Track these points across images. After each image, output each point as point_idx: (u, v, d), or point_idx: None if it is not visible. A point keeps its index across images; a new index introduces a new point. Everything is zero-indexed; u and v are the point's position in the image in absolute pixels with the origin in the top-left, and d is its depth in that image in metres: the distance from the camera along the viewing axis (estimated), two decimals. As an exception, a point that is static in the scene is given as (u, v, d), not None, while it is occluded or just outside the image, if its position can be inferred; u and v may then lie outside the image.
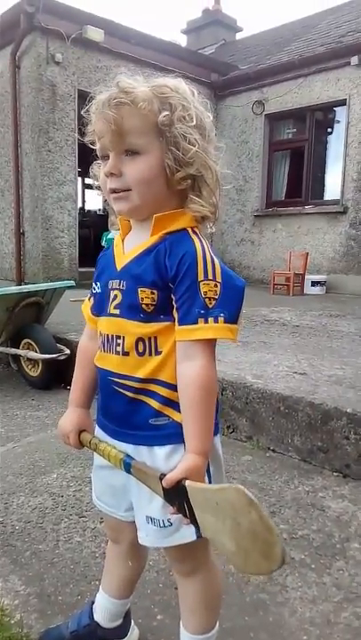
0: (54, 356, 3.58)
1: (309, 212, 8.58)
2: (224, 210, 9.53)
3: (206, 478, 1.02)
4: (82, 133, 1.03)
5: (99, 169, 1.04)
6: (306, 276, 7.96)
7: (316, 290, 7.94)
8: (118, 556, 1.27)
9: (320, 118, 8.75)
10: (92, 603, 1.34)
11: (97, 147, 1.02)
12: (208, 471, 1.03)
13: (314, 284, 7.96)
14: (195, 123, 0.97)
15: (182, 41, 13.44)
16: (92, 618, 1.31)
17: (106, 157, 1.00)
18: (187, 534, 1.00)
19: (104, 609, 1.30)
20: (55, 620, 1.42)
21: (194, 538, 1.00)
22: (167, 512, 0.99)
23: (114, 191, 1.00)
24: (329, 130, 8.85)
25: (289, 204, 9.04)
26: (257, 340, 3.97)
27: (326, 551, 1.76)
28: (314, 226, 8.51)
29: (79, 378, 1.20)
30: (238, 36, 13.68)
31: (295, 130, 9.18)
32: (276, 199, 9.31)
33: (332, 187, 8.63)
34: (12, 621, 1.41)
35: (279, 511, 2.01)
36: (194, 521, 0.91)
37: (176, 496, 0.93)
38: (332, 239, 8.30)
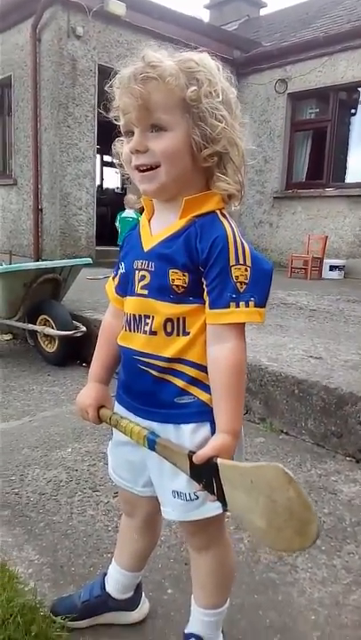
0: (70, 332, 3.60)
1: (330, 194, 8.43)
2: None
3: None
4: (106, 109, 1.01)
5: (121, 146, 1.03)
6: (324, 260, 7.86)
7: (335, 274, 7.85)
8: (132, 529, 1.29)
9: (344, 98, 8.53)
10: (105, 574, 1.37)
11: (121, 122, 1.00)
12: None
13: (332, 268, 7.87)
14: (221, 98, 0.95)
15: (205, 16, 13.15)
16: (104, 589, 1.34)
17: (130, 133, 0.99)
18: (212, 507, 1.01)
19: (116, 581, 1.33)
20: (67, 590, 1.46)
21: (220, 511, 1.02)
22: (193, 487, 1.01)
23: (139, 168, 0.99)
24: (353, 111, 8.63)
25: (309, 185, 8.89)
26: (273, 323, 3.95)
27: (337, 534, 1.77)
28: (334, 209, 8.37)
29: (101, 354, 1.21)
30: (263, 11, 13.32)
31: (318, 110, 8.98)
32: (296, 181, 9.17)
33: (355, 169, 8.47)
34: (27, 589, 1.44)
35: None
36: (221, 498, 0.93)
37: (204, 473, 0.94)
38: (352, 223, 8.16)
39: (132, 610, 1.36)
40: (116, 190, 11.20)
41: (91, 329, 3.62)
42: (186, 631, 1.21)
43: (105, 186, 11.82)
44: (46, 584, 1.50)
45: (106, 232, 8.59)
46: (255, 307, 0.96)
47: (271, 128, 9.12)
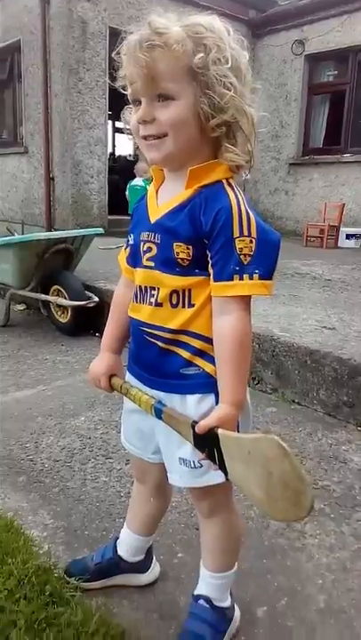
0: (83, 303, 3.62)
1: (348, 160, 8.22)
2: (258, 157, 9.23)
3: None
4: (113, 77, 0.99)
5: (130, 114, 1.00)
6: (341, 229, 7.72)
7: (351, 243, 7.71)
8: (143, 495, 1.32)
9: (364, 60, 8.22)
10: (117, 538, 1.40)
11: (128, 92, 0.97)
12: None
13: (349, 236, 7.72)
14: (230, 65, 0.91)
15: (220, -27, 12.65)
16: (116, 552, 1.38)
17: (137, 102, 0.96)
18: (217, 475, 1.03)
19: (128, 544, 1.37)
20: (81, 553, 1.50)
21: (224, 479, 1.03)
22: (197, 455, 1.02)
23: (146, 138, 0.97)
24: (373, 73, 8.33)
25: (327, 151, 8.67)
26: (287, 294, 3.92)
27: (346, 502, 1.79)
28: (352, 175, 8.17)
29: (112, 324, 1.22)
30: (280, -33, 12.78)
31: (336, 72, 8.67)
32: (313, 146, 8.94)
33: (374, 134, 8.24)
34: (41, 551, 1.49)
35: (302, 462, 2.03)
36: (222, 467, 0.94)
37: (207, 443, 0.96)
38: (370, 190, 7.98)
39: (144, 572, 1.40)
40: (128, 158, 11.03)
41: (103, 299, 3.63)
42: (195, 593, 1.24)
43: (117, 153, 11.65)
44: (60, 547, 1.55)
45: (119, 201, 8.49)
46: (260, 279, 0.95)
47: (288, 91, 8.85)
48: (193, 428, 0.98)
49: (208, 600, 1.21)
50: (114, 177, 8.44)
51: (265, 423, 2.37)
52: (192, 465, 1.06)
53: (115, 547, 1.39)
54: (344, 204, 7.82)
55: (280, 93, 8.90)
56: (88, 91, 7.57)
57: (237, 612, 1.27)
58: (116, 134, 12.42)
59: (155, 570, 1.42)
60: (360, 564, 1.51)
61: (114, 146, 11.61)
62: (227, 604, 1.23)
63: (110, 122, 8.18)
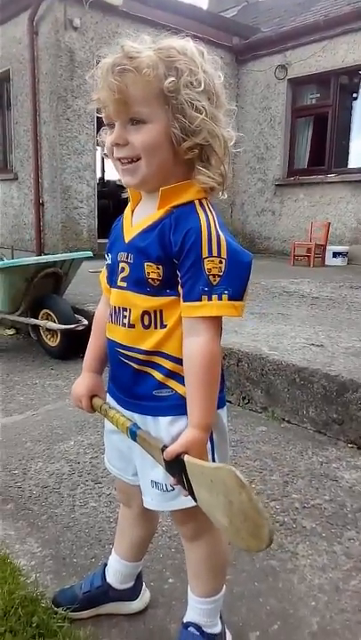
0: (72, 326, 3.61)
1: (332, 180, 8.35)
2: (245, 179, 9.37)
3: (209, 447, 1.04)
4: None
5: (106, 136, 1.02)
6: (327, 247, 7.81)
7: (338, 261, 7.80)
8: (130, 518, 1.30)
9: (345, 83, 8.41)
10: (105, 565, 1.38)
11: (103, 115, 0.99)
12: (212, 441, 1.04)
13: (335, 255, 7.81)
14: (203, 88, 0.93)
15: (203, 3, 13.00)
16: (105, 579, 1.35)
17: (112, 125, 0.98)
18: (188, 500, 1.02)
19: (116, 571, 1.34)
20: (69, 582, 1.47)
21: (194, 503, 1.02)
22: (169, 479, 1.02)
23: (120, 161, 0.98)
24: (354, 95, 8.50)
25: (311, 172, 8.81)
26: (275, 312, 3.94)
27: (338, 520, 1.77)
28: (337, 195, 8.29)
29: (93, 344, 1.22)
30: (262, -4, 13.16)
31: (319, 95, 8.87)
32: (298, 167, 9.08)
33: (357, 154, 8.38)
34: (28, 581, 1.46)
35: (292, 481, 2.02)
36: (192, 493, 0.94)
37: (175, 468, 0.96)
38: (355, 209, 8.09)
39: (133, 599, 1.37)
40: (117, 182, 11.10)
41: (92, 322, 3.62)
42: (184, 620, 1.22)
43: (106, 178, 11.76)
44: (48, 576, 1.51)
45: (108, 225, 8.52)
46: (229, 300, 0.94)
47: (272, 115, 9.03)
48: (163, 452, 0.97)
49: (198, 627, 1.19)
50: (103, 201, 8.51)
51: (255, 442, 2.36)
52: (164, 488, 1.06)
53: (103, 574, 1.37)
54: (330, 223, 7.92)
55: (264, 117, 9.08)
56: (76, 118, 7.68)
57: (229, 638, 1.25)
58: (105, 160, 12.59)
59: (145, 597, 1.39)
60: (353, 583, 1.49)
61: (103, 171, 11.71)
62: (217, 629, 1.21)
63: (99, 147, 8.27)
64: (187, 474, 0.93)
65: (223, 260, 0.93)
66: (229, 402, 2.75)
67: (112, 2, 7.34)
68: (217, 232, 0.95)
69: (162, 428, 1.03)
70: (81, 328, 3.62)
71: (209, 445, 1.04)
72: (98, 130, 7.81)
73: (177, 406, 1.01)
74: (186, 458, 0.93)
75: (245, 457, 2.22)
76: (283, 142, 9.00)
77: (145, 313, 1.01)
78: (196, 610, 1.19)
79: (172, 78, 0.91)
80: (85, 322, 3.67)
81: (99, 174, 10.05)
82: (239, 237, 8.78)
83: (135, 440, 1.04)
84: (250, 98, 9.13)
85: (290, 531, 1.72)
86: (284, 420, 2.61)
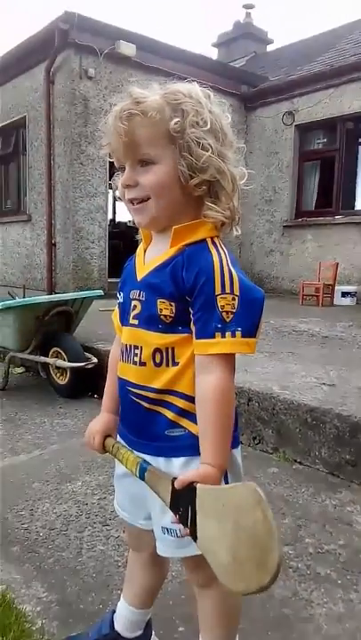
0: (82, 364, 3.62)
1: (340, 222, 8.46)
2: (253, 221, 9.52)
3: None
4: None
5: (118, 180, 1.05)
6: (336, 287, 7.83)
7: (347, 301, 7.80)
8: (139, 564, 1.26)
9: (351, 128, 8.63)
10: (114, 612, 1.33)
11: (114, 159, 1.02)
12: (226, 480, 1.02)
13: (344, 294, 7.82)
14: (209, 127, 0.95)
15: (213, 54, 13.56)
16: (113, 627, 1.31)
17: (123, 168, 1.01)
18: None
19: (125, 618, 1.29)
20: (76, 629, 1.42)
21: None
22: (170, 518, 0.98)
23: (132, 202, 1.01)
24: (360, 139, 8.73)
25: (319, 214, 8.94)
26: (285, 351, 3.92)
27: (353, 567, 1.71)
28: (344, 236, 8.38)
29: (109, 384, 1.21)
30: (269, 47, 13.70)
31: (325, 140, 9.10)
32: (305, 209, 9.23)
33: (364, 197, 8.50)
34: (34, 628, 1.41)
35: (305, 525, 1.97)
36: (193, 532, 0.90)
37: (182, 501, 0.92)
38: (363, 249, 8.16)
39: (142, 649, 1.32)
40: (128, 223, 11.36)
41: (102, 360, 3.63)
42: (195, 672, 1.17)
43: (117, 219, 12.01)
44: (54, 622, 1.47)
45: (118, 264, 8.65)
46: (243, 337, 0.93)
47: (280, 159, 9.25)
48: (173, 484, 0.94)
49: None
50: (114, 241, 8.65)
51: (266, 484, 2.31)
52: (176, 534, 1.02)
53: (112, 621, 1.32)
54: (338, 264, 7.97)
55: (272, 161, 9.30)
56: (89, 162, 7.91)
57: None
58: (117, 202, 12.85)
59: (154, 646, 1.34)
60: (371, 635, 1.43)
61: (114, 212, 11.97)
62: None
63: (111, 190, 8.47)
64: (194, 506, 0.90)
65: (236, 297, 0.94)
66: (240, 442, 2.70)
67: (125, 53, 7.68)
68: (229, 269, 0.95)
69: (175, 469, 1.01)
70: (90, 366, 3.62)
71: (223, 485, 1.01)
72: (110, 173, 8.08)
73: (190, 446, 0.99)
74: (199, 485, 0.90)
75: (257, 499, 2.16)
76: (290, 185, 9.18)
77: (156, 350, 1.00)
78: (208, 661, 1.14)
79: (178, 119, 0.94)
80: (95, 360, 3.67)
81: (110, 216, 10.25)
82: (248, 277, 8.81)
83: (143, 478, 1.01)
84: (258, 143, 9.38)
85: (304, 577, 1.66)
86: (295, 461, 2.56)
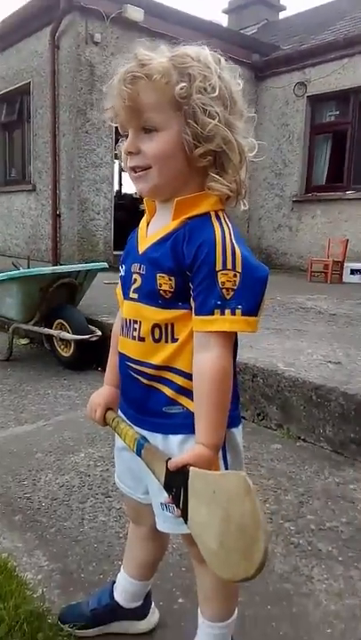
0: (86, 337, 3.60)
1: (351, 197, 8.31)
2: (262, 195, 9.37)
3: (222, 466, 1.00)
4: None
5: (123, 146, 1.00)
6: (345, 264, 7.74)
7: (356, 278, 7.70)
8: (139, 537, 1.26)
9: (365, 100, 8.43)
10: (113, 582, 1.34)
11: (117, 124, 0.97)
12: (225, 460, 1.01)
13: (353, 272, 7.72)
14: (217, 93, 0.90)
15: (224, 21, 13.15)
16: (113, 597, 1.32)
17: (127, 135, 0.96)
18: None
19: (124, 589, 1.30)
20: (76, 597, 1.43)
21: None
22: (163, 498, 0.97)
23: (134, 170, 0.97)
24: (374, 112, 8.52)
25: (329, 189, 8.78)
26: (291, 328, 3.89)
27: (355, 544, 1.71)
28: (355, 212, 8.24)
29: (112, 358, 1.19)
30: (282, 15, 13.28)
31: (338, 112, 8.86)
32: (316, 184, 9.06)
33: (376, 172, 8.34)
34: (35, 595, 1.42)
35: (307, 501, 1.97)
36: (185, 513, 0.89)
37: (176, 482, 0.91)
38: (373, 226, 8.04)
39: (141, 619, 1.33)
40: (134, 195, 11.14)
41: (106, 333, 3.61)
42: (194, 644, 1.17)
43: (123, 191, 11.86)
44: (55, 591, 1.48)
45: (124, 237, 8.54)
46: (243, 315, 0.90)
47: (290, 131, 9.05)
48: (167, 464, 0.93)
49: (208, 652, 1.14)
50: (120, 214, 8.55)
51: (270, 460, 2.30)
52: (173, 512, 1.01)
53: (111, 591, 1.33)
54: (348, 240, 7.87)
55: (283, 133, 9.10)
56: (95, 131, 7.76)
57: (240, 664, 1.20)
58: (123, 173, 12.68)
59: (153, 617, 1.35)
60: (371, 611, 1.43)
61: (120, 184, 11.80)
62: (228, 655, 1.16)
63: (117, 161, 8.34)
64: (186, 489, 0.88)
65: (238, 274, 0.90)
66: (243, 418, 2.70)
67: (133, 18, 7.45)
68: (232, 245, 0.91)
69: (173, 446, 0.99)
70: (94, 339, 3.61)
71: (222, 465, 1.00)
72: (116, 143, 7.91)
73: (189, 425, 0.96)
74: (191, 468, 0.89)
75: (259, 475, 2.16)
76: (301, 159, 9.00)
77: (155, 326, 0.97)
78: (207, 635, 1.15)
79: (184, 84, 0.89)
80: (99, 333, 3.66)
81: (116, 187, 10.12)
82: (256, 253, 8.70)
83: (140, 454, 1.00)
84: (268, 114, 9.16)
85: (305, 553, 1.67)
86: (299, 438, 2.55)
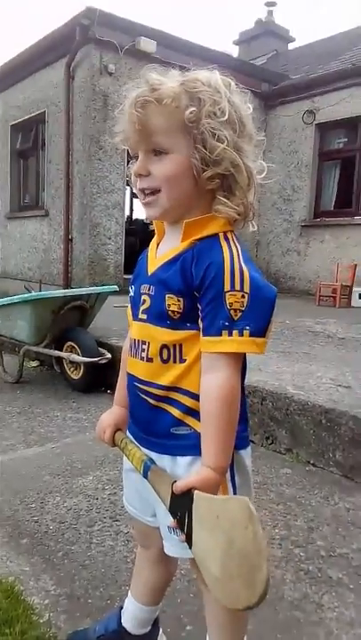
0: (96, 359, 3.62)
1: (359, 222, 8.35)
2: (270, 220, 9.45)
3: (231, 489, 0.99)
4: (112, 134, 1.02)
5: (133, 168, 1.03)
6: (353, 289, 7.74)
7: (365, 303, 7.69)
8: (147, 561, 1.25)
9: (372, 127, 8.53)
10: (121, 608, 1.32)
11: (128, 147, 1.00)
12: (233, 483, 1.00)
13: (362, 296, 7.72)
14: (226, 117, 0.91)
15: (234, 52, 13.47)
16: (120, 623, 1.29)
17: (137, 157, 0.98)
18: None
19: (132, 615, 1.28)
20: (83, 623, 1.41)
21: None
22: (169, 521, 0.96)
23: (143, 192, 0.99)
24: (381, 139, 8.62)
25: (338, 214, 8.84)
26: (300, 351, 3.88)
27: (366, 572, 1.68)
28: (363, 237, 8.28)
29: (122, 379, 1.19)
30: (291, 46, 13.58)
31: (346, 139, 8.98)
32: (324, 209, 9.13)
33: (384, 197, 8.38)
34: (41, 620, 1.41)
35: (317, 527, 1.94)
36: (189, 538, 0.88)
37: (181, 506, 0.90)
38: (382, 251, 8.05)
39: (149, 647, 1.30)
40: (145, 220, 11.34)
41: (116, 356, 3.63)
42: (202, 672, 1.15)
43: (134, 217, 12.01)
44: (62, 616, 1.46)
45: (134, 261, 8.63)
46: (251, 336, 0.90)
47: (299, 158, 9.17)
48: (172, 487, 0.92)
49: None
50: (130, 238, 8.66)
51: (279, 485, 2.28)
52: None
53: (119, 617, 1.31)
54: (356, 265, 7.88)
55: (292, 160, 9.21)
56: (108, 158, 7.92)
57: None
58: (134, 199, 12.84)
59: (161, 644, 1.33)
60: (383, 642, 1.40)
61: (131, 209, 11.97)
62: None
63: (128, 187, 8.48)
64: (191, 513, 0.87)
65: (246, 295, 0.90)
66: (252, 442, 2.68)
67: (146, 49, 7.67)
68: (240, 266, 0.92)
69: (181, 468, 0.99)
70: (104, 361, 3.62)
71: (230, 487, 0.99)
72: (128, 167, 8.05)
73: (196, 445, 0.95)
74: (196, 492, 0.88)
75: (268, 500, 2.14)
76: (309, 185, 9.09)
77: (164, 347, 0.98)
78: (216, 662, 1.12)
79: (193, 108, 0.90)
80: (109, 355, 3.68)
81: (127, 213, 10.27)
82: (264, 276, 8.75)
83: (146, 476, 0.99)
84: (277, 141, 9.30)
85: (315, 580, 1.64)
86: (309, 462, 2.52)
